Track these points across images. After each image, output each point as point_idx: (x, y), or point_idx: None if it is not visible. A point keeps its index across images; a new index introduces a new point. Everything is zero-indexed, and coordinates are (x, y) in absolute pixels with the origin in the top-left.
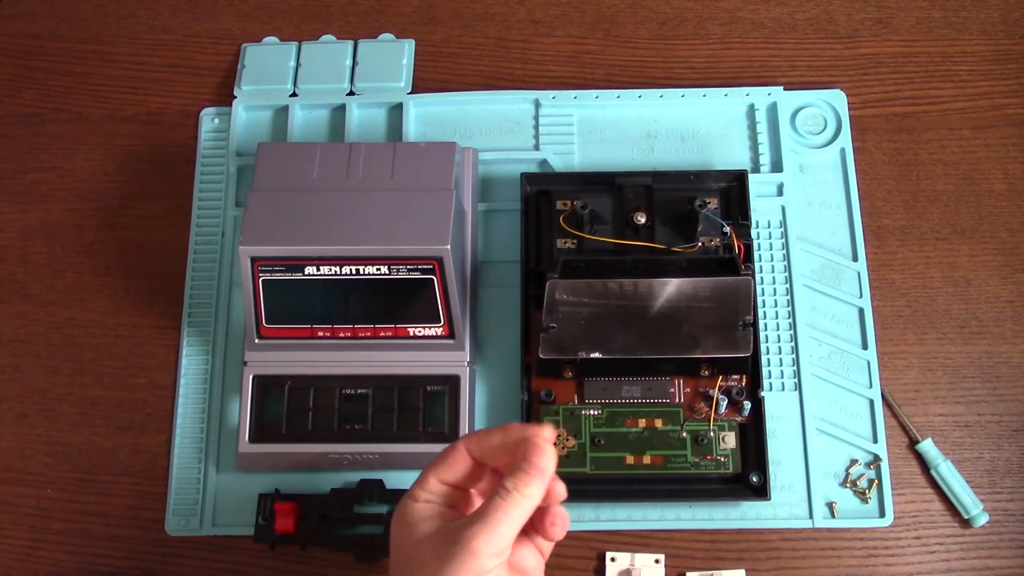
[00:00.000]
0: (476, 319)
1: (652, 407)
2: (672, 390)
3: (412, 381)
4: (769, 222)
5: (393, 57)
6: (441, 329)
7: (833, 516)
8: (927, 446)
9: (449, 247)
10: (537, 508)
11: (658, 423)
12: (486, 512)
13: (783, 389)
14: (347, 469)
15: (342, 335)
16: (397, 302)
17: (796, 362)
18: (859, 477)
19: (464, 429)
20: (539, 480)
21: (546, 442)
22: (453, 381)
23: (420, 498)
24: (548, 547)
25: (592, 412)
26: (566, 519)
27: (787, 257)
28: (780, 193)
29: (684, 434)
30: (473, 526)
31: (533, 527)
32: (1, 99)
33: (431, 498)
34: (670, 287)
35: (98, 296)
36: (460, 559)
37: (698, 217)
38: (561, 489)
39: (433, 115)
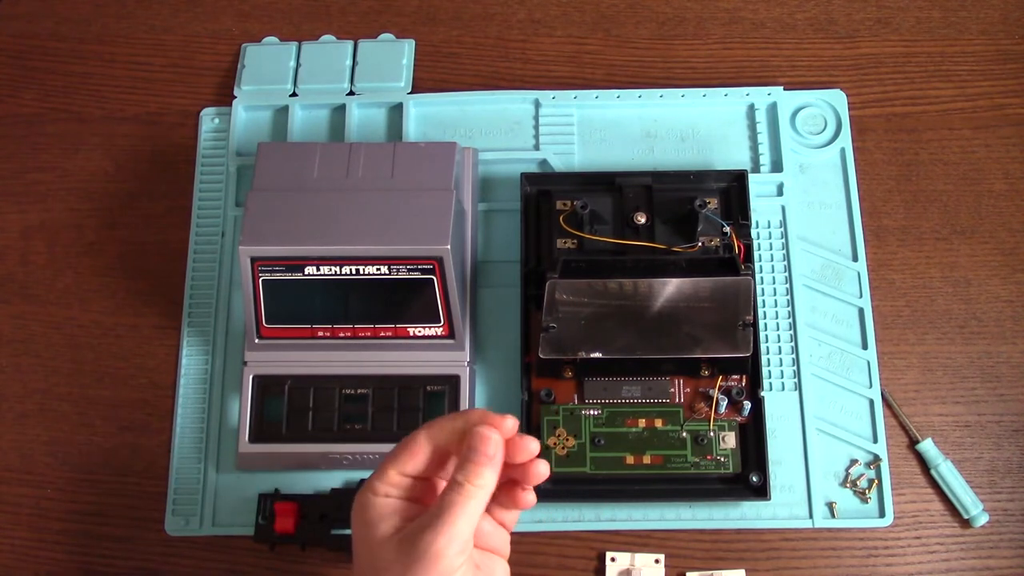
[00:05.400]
0: (476, 319)
1: (652, 407)
2: (672, 390)
3: (412, 381)
4: (769, 222)
5: (393, 57)
6: (441, 329)
7: (833, 516)
8: (927, 446)
9: (449, 247)
10: (508, 483)
11: (658, 423)
12: (442, 510)
13: (783, 389)
14: (347, 469)
15: (342, 335)
16: (397, 302)
17: (796, 362)
18: (859, 477)
19: None
20: (489, 468)
21: (490, 430)
22: (453, 381)
23: (380, 492)
24: (512, 519)
25: (592, 412)
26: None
27: (787, 257)
28: (780, 193)
29: (684, 434)
30: (432, 528)
31: (498, 502)
32: (1, 99)
33: (391, 491)
34: (670, 287)
35: (98, 296)
36: (424, 564)
37: (698, 217)
38: (543, 469)
39: (433, 115)
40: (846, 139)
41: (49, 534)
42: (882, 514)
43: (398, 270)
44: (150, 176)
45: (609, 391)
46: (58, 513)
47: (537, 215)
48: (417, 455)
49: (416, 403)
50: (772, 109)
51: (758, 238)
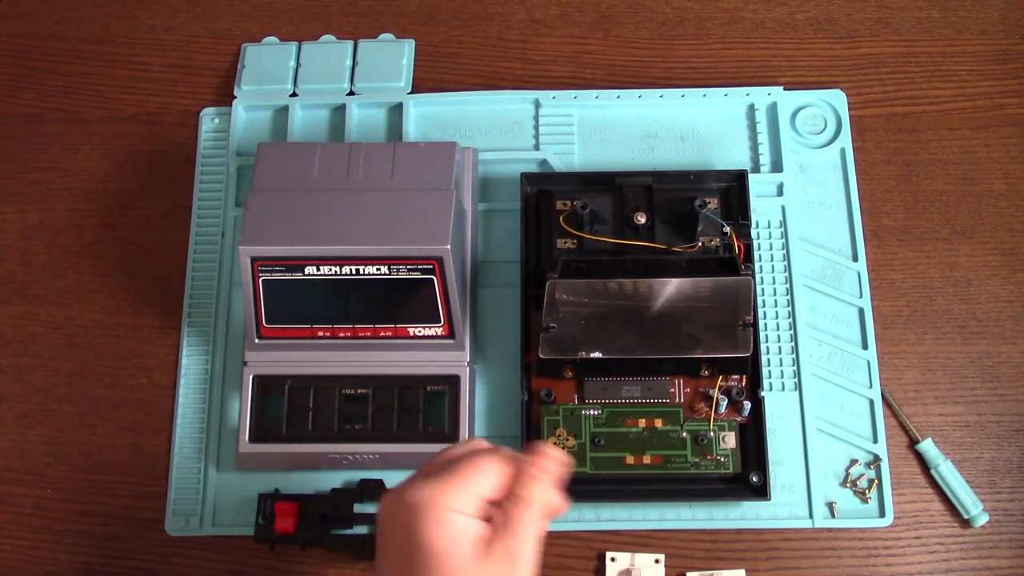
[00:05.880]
0: (476, 319)
1: (652, 407)
2: (672, 390)
3: (412, 381)
4: (769, 222)
5: (393, 57)
6: (441, 329)
7: (833, 516)
8: (927, 446)
9: (449, 247)
10: None
11: (658, 423)
12: (522, 524)
13: (783, 389)
14: (347, 469)
15: (342, 335)
16: (397, 302)
17: (796, 362)
18: (859, 477)
19: (464, 429)
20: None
21: (554, 448)
22: (453, 381)
23: (466, 511)
24: None
25: (592, 412)
26: None
27: (787, 257)
28: (780, 193)
29: (684, 434)
30: (519, 542)
31: None
32: (1, 99)
33: (472, 512)
34: (670, 287)
35: (98, 296)
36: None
37: (698, 217)
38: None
39: (433, 115)
40: (846, 139)
41: (49, 534)
42: (882, 514)
43: (398, 270)
44: (150, 176)
45: (609, 391)
46: (58, 513)
47: (537, 215)
48: (491, 479)
49: (416, 403)
50: (772, 109)
51: (758, 238)
